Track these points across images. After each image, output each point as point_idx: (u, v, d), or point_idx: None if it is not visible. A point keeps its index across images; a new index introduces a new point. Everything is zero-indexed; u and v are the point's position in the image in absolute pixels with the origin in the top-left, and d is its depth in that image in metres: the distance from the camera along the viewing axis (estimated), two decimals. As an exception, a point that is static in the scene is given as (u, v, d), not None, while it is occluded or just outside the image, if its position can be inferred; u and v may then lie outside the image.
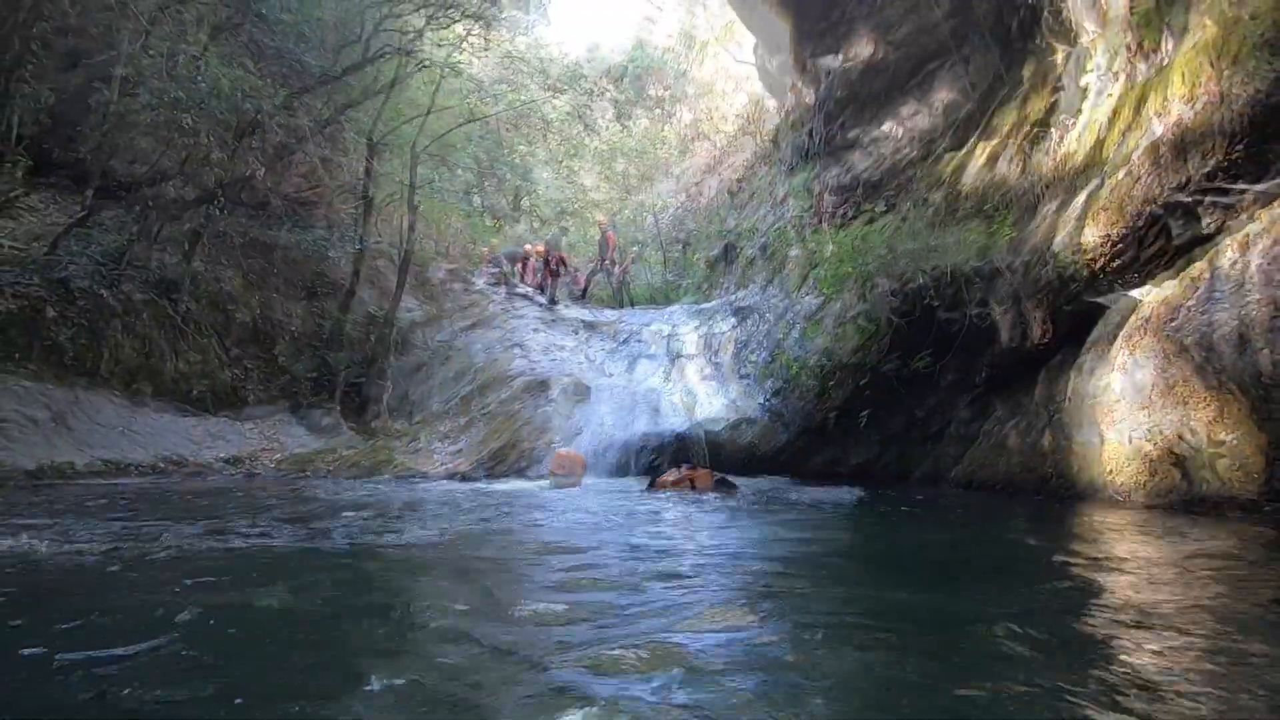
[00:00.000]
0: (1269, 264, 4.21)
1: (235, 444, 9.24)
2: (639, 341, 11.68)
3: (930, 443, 7.91)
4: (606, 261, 15.30)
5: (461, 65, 14.19)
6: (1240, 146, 4.56)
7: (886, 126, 8.50)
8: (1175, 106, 4.89)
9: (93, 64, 8.99)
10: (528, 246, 15.98)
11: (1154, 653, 1.97)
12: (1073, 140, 6.05)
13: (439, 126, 12.74)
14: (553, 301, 13.72)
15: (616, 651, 1.93)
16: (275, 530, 4.12)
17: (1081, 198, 5.57)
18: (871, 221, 7.94)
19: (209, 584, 2.75)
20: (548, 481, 7.61)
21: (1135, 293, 5.37)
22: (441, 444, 9.33)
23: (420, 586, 3.07)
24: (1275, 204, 4.41)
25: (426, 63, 11.33)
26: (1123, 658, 1.93)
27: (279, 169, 11.00)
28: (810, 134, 9.34)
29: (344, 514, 5.02)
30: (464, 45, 13.86)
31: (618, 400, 9.53)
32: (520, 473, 8.23)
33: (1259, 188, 4.38)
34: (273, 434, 9.52)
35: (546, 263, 14.37)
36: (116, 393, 8.95)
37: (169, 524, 4.17)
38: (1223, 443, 4.57)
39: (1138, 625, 2.25)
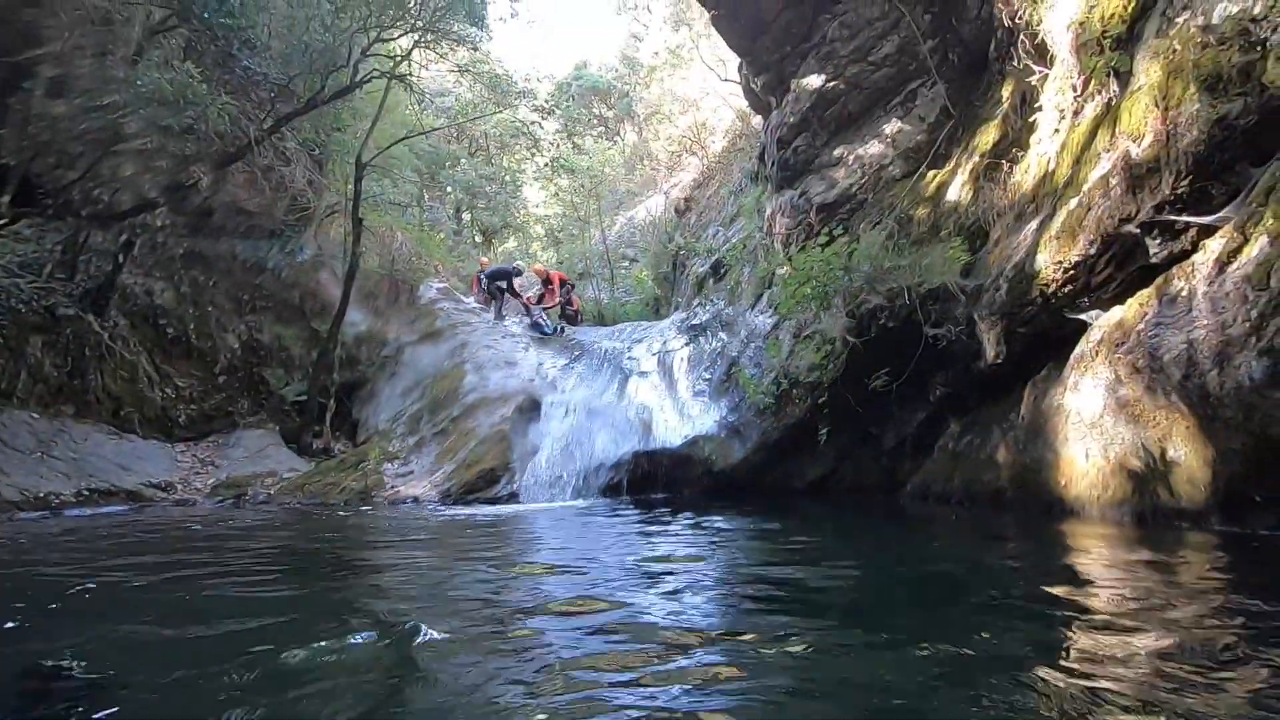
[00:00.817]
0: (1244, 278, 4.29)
1: (225, 469, 9.18)
2: (630, 359, 11.71)
3: (922, 456, 7.99)
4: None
5: (449, 87, 14.27)
6: (1214, 165, 4.69)
7: (869, 144, 8.62)
8: (1149, 127, 5.00)
9: (81, 90, 9.00)
10: (518, 263, 15.86)
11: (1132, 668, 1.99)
12: (1050, 160, 6.16)
13: (423, 144, 12.77)
14: (542, 327, 13.27)
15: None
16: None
17: (1060, 218, 5.66)
18: (857, 239, 8.03)
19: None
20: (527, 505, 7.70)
21: (1116, 310, 5.45)
22: (435, 463, 9.29)
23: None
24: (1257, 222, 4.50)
25: (414, 88, 11.37)
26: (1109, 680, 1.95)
27: (268, 192, 11.02)
28: (795, 151, 9.45)
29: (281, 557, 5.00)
30: (454, 66, 13.97)
31: (613, 421, 9.53)
32: (513, 497, 8.21)
33: (1223, 213, 4.48)
34: (261, 458, 9.47)
35: (547, 283, 14.04)
36: (103, 421, 8.90)
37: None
38: (1206, 459, 4.65)
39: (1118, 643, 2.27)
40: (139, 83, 7.83)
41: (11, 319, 8.38)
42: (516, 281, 14.46)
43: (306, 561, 4.62)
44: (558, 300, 13.78)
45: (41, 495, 7.25)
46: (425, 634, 2.45)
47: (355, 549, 5.21)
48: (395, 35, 10.74)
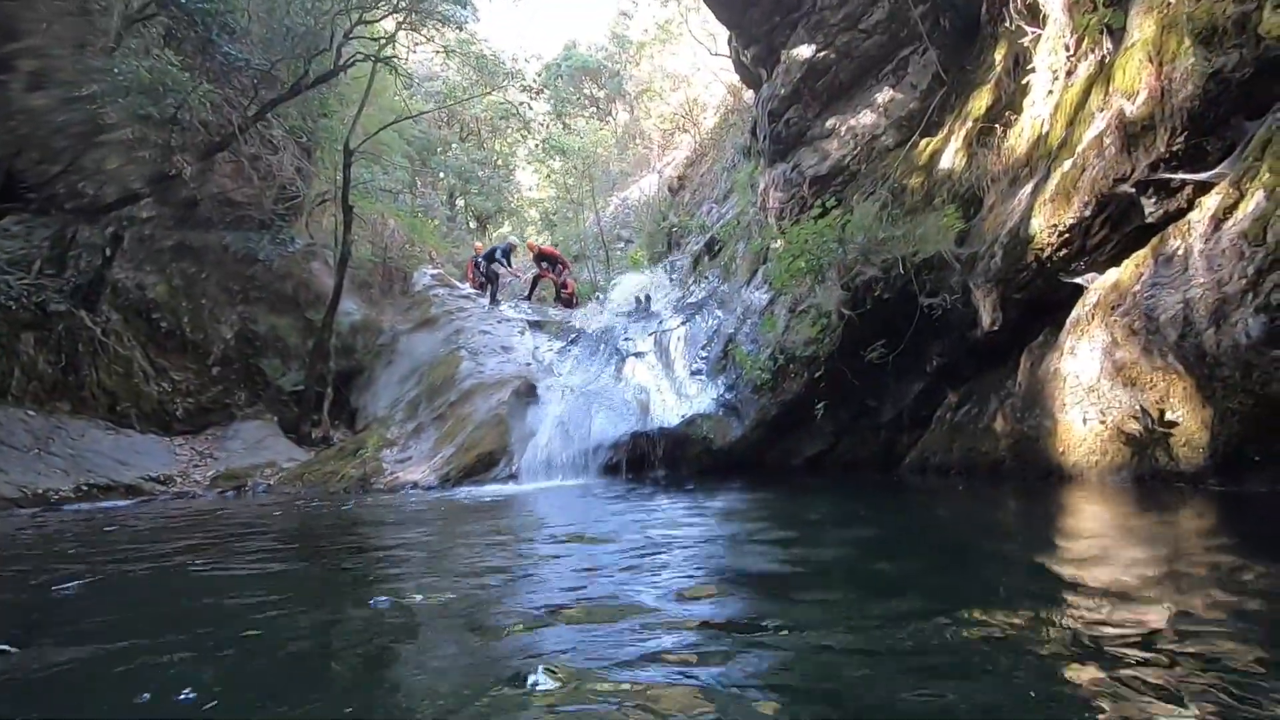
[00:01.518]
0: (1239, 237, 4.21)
1: (224, 461, 9.19)
2: (627, 339, 11.66)
3: (919, 428, 7.97)
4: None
5: (437, 71, 14.05)
6: (1210, 120, 4.60)
7: (861, 114, 8.49)
8: (1143, 84, 4.90)
9: (60, 82, 8.87)
10: (511, 239, 15.70)
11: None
12: (1043, 122, 6.05)
13: (413, 129, 12.64)
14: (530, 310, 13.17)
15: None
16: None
17: (1054, 180, 5.58)
18: (851, 210, 7.94)
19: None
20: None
21: (1112, 272, 5.38)
22: (434, 448, 9.28)
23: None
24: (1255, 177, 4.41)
25: (400, 71, 11.21)
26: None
27: (256, 182, 10.92)
28: (787, 124, 9.32)
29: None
30: (441, 48, 13.77)
31: (610, 403, 9.51)
32: (512, 479, 8.22)
33: (1219, 169, 4.39)
34: (260, 449, 9.47)
35: (540, 259, 13.85)
36: (100, 416, 8.89)
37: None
38: (1204, 419, 4.61)
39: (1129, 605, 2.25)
40: (116, 71, 7.71)
41: (2, 316, 8.34)
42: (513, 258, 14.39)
43: (306, 545, 4.62)
44: (563, 278, 13.76)
45: (40, 491, 7.26)
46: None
47: (354, 532, 5.21)
48: (378, 16, 10.57)
